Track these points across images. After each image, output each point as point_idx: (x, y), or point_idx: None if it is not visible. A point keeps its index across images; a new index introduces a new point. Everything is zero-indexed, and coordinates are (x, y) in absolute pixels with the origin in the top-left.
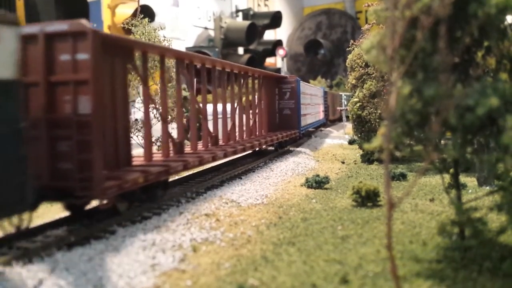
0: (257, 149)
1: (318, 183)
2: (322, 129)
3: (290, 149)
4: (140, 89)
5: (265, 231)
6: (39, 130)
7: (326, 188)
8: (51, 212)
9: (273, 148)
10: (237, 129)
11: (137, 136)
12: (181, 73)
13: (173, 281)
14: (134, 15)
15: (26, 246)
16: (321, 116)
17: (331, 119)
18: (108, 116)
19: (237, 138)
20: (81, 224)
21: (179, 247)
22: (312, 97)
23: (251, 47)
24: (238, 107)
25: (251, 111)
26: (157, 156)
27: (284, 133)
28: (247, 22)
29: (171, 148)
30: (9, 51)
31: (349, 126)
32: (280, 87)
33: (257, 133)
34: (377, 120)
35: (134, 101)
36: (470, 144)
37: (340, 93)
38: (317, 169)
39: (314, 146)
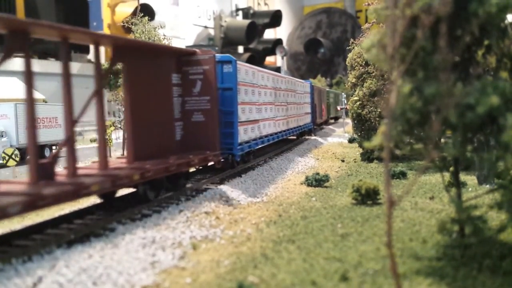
0: None
1: (318, 181)
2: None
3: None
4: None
5: (265, 229)
6: None
7: (326, 186)
8: None
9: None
10: None
11: None
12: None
13: (173, 278)
14: (134, 13)
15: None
16: (303, 120)
17: (318, 123)
18: None
19: None
20: None
21: (179, 244)
22: (280, 93)
23: (251, 46)
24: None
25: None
26: None
27: (157, 166)
28: (247, 21)
29: None
30: None
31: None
32: (184, 72)
33: (74, 169)
34: (377, 119)
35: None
36: (470, 142)
37: (327, 90)
38: (317, 167)
39: (314, 145)
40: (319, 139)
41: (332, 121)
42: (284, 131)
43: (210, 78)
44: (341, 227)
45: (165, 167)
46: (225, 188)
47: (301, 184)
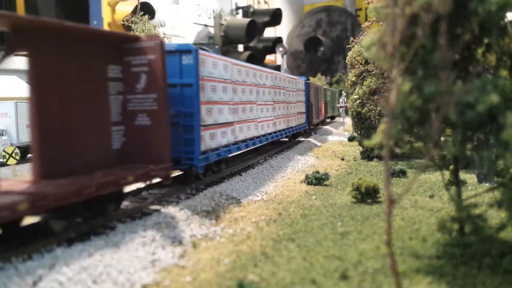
0: None
1: (318, 179)
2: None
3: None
4: None
5: (265, 227)
6: None
7: (325, 185)
8: None
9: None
10: None
11: None
12: None
13: (173, 277)
14: (134, 12)
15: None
16: (296, 121)
17: (315, 123)
18: None
19: None
20: None
21: (179, 243)
22: (265, 91)
23: (251, 44)
24: None
25: None
26: None
27: (62, 189)
28: (247, 20)
29: None
30: None
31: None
32: (126, 63)
33: None
34: (377, 117)
35: None
36: (470, 140)
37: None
38: (317, 165)
39: (314, 143)
40: (315, 141)
41: (329, 120)
42: (269, 134)
43: (157, 71)
44: (341, 226)
45: (75, 190)
46: (225, 186)
47: (301, 182)
